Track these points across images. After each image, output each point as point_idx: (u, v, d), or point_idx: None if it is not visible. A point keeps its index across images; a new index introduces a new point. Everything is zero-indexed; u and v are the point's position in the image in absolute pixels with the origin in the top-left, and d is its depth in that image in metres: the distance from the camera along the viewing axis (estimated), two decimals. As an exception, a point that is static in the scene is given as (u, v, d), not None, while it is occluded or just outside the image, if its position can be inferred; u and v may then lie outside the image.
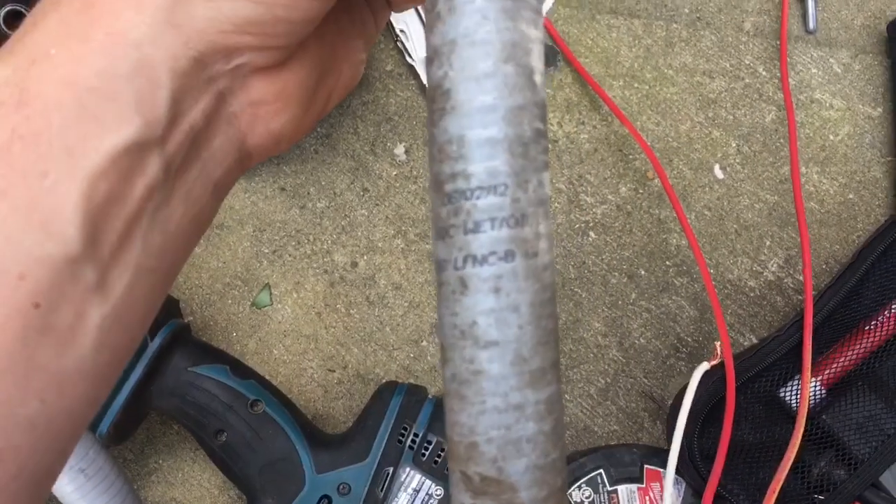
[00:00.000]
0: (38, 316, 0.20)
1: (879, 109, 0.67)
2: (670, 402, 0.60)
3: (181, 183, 0.24)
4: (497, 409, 0.20)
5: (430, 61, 0.21)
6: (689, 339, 0.62)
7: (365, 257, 0.63)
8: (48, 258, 0.20)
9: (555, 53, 0.35)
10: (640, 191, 0.65)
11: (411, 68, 0.66)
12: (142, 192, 0.22)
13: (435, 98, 0.20)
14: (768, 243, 0.64)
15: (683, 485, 0.53)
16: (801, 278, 0.63)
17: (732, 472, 0.51)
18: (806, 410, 0.48)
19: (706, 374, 0.52)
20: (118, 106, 0.21)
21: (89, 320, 0.21)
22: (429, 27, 0.21)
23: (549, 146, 0.65)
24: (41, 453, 0.22)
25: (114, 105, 0.21)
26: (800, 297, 0.63)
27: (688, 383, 0.54)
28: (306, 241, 0.63)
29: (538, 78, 0.21)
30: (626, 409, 0.60)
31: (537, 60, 0.21)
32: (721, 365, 0.52)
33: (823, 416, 0.51)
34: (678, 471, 0.52)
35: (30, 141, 0.20)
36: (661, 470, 0.53)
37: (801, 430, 0.48)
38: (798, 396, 0.52)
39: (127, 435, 0.53)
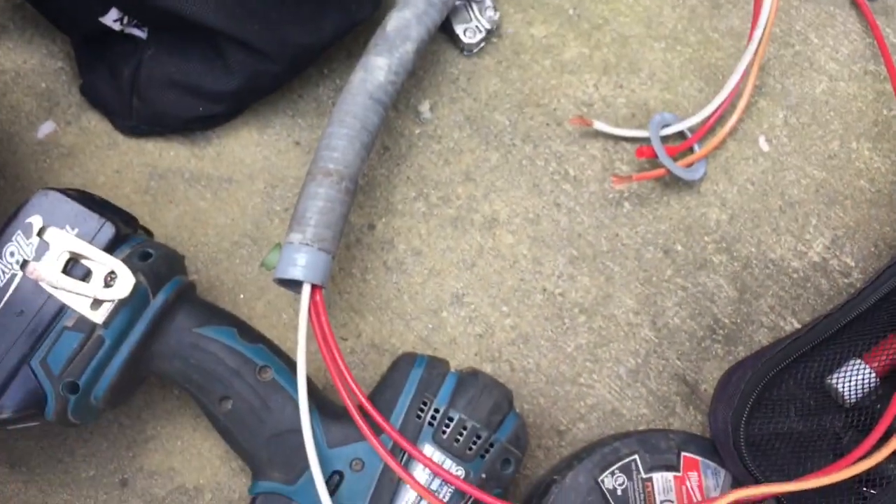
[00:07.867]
0: None
1: (937, 84, 0.63)
2: (704, 386, 0.56)
3: None
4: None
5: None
6: (726, 321, 0.58)
7: (383, 220, 0.58)
8: None
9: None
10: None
11: (439, 20, 0.62)
12: None
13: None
14: (814, 222, 0.60)
15: (722, 475, 0.49)
16: (847, 260, 0.59)
17: (776, 462, 0.47)
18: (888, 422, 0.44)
19: (754, 355, 0.48)
20: None
21: None
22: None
23: (585, 109, 0.61)
24: None
25: None
26: (846, 280, 0.59)
27: (725, 370, 0.50)
28: (321, 199, 0.58)
29: None
30: (657, 392, 0.56)
31: None
32: (772, 345, 0.48)
33: (878, 406, 0.47)
34: (719, 460, 0.48)
35: None
36: (700, 458, 0.49)
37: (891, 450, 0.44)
38: (850, 383, 0.48)
39: (123, 399, 0.49)
